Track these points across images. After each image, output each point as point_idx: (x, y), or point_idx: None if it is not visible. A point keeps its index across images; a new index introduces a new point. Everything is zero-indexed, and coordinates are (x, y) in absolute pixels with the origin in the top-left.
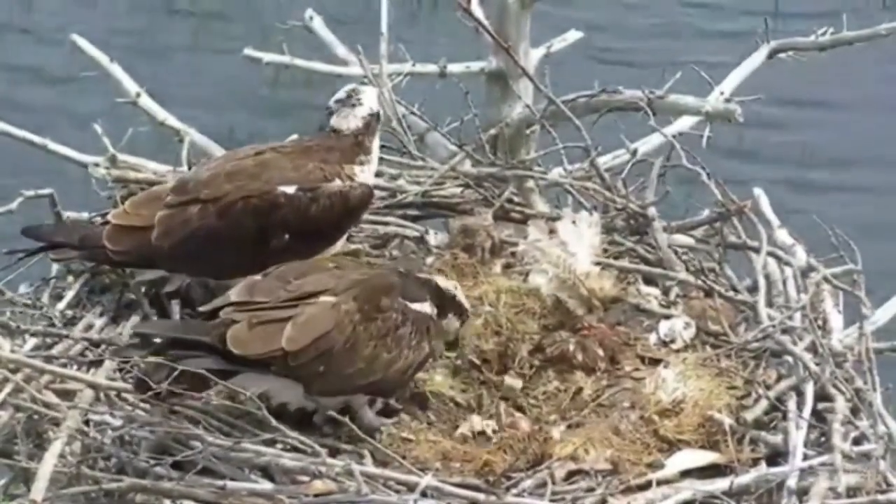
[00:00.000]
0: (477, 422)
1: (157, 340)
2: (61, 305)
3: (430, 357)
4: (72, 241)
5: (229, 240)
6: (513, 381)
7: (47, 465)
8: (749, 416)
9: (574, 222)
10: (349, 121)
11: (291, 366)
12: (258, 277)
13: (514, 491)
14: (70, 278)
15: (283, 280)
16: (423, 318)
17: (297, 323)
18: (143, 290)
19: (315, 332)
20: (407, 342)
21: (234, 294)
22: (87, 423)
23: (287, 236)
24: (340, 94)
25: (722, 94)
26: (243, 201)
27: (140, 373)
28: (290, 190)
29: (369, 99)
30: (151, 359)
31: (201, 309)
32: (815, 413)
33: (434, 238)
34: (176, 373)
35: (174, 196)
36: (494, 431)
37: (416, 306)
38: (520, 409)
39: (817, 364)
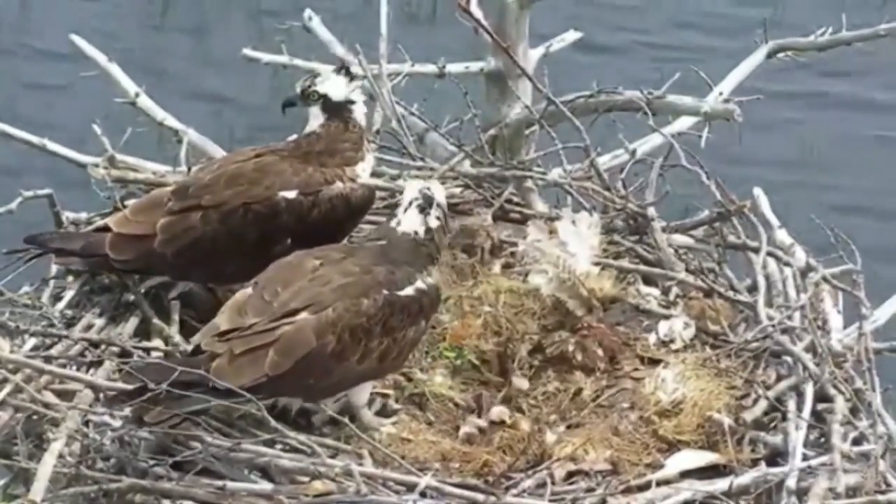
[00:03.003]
0: (496, 412)
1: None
2: (61, 305)
3: (426, 331)
4: (74, 249)
5: (232, 246)
6: (519, 381)
7: (47, 465)
8: (748, 416)
9: (573, 222)
10: (361, 115)
11: (280, 388)
12: (249, 290)
13: (513, 491)
14: (70, 278)
15: (272, 293)
16: (414, 300)
17: (278, 347)
18: (142, 290)
19: (298, 352)
20: (398, 329)
21: (222, 321)
22: (86, 423)
23: (289, 241)
24: (345, 81)
25: (721, 94)
26: (245, 207)
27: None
28: (291, 195)
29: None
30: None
31: (193, 340)
32: (815, 413)
33: None
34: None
35: (175, 202)
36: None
37: (405, 292)
38: (519, 409)
39: (817, 364)
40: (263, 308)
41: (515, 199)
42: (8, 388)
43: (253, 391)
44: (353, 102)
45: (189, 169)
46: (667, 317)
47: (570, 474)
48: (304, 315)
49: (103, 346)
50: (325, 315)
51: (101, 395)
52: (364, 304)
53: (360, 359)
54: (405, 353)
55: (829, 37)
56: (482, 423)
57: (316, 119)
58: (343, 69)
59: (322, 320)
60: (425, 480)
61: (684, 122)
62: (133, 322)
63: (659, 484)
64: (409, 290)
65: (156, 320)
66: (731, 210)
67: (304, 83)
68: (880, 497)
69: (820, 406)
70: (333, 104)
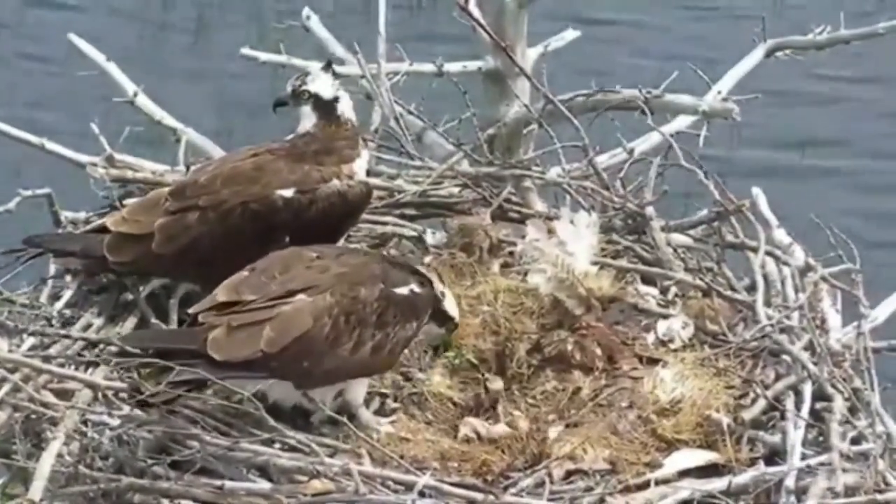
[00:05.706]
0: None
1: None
2: (59, 305)
3: (417, 333)
4: (72, 250)
5: (230, 245)
6: (495, 383)
7: (45, 464)
8: (747, 415)
9: (572, 222)
10: (349, 110)
11: (274, 367)
12: (245, 273)
13: (512, 490)
14: (68, 278)
15: (269, 276)
16: (408, 300)
17: (275, 324)
18: (140, 289)
19: (294, 331)
20: (392, 324)
21: (220, 293)
22: (85, 422)
23: (287, 239)
24: (330, 79)
25: (719, 93)
26: (242, 207)
27: (133, 383)
28: (288, 193)
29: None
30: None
31: (191, 311)
32: (813, 412)
33: (432, 237)
34: (172, 376)
35: (172, 202)
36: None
37: (400, 290)
38: (518, 408)
39: (815, 363)
40: (261, 287)
41: (514, 199)
42: (6, 388)
43: (247, 367)
44: (338, 99)
45: (187, 168)
46: (665, 316)
47: (569, 473)
48: (301, 296)
49: (102, 346)
50: (323, 298)
51: (100, 395)
52: (361, 293)
53: (354, 348)
54: (397, 352)
55: (828, 35)
56: (481, 429)
57: (308, 119)
58: (328, 66)
59: (319, 303)
60: (424, 480)
61: (683, 122)
62: (131, 322)
63: (657, 483)
64: (403, 290)
65: (154, 320)
66: (729, 209)
67: (295, 83)
68: (879, 496)
69: (818, 405)
70: (324, 102)
